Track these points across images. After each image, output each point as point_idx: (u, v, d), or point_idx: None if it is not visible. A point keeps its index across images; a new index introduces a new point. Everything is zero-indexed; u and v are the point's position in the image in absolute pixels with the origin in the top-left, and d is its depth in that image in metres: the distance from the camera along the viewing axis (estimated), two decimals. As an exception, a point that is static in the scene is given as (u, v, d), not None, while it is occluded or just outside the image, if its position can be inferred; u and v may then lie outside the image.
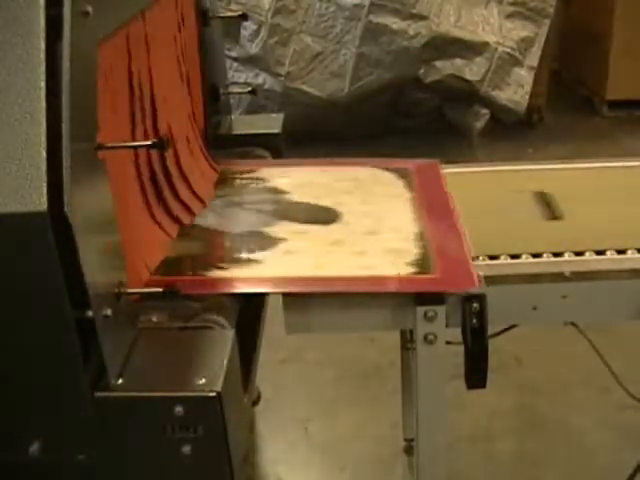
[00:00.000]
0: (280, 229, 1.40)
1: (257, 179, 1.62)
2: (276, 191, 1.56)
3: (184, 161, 1.45)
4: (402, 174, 1.63)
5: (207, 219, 1.44)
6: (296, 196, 1.54)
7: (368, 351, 2.34)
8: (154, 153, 1.31)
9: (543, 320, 1.26)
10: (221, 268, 1.27)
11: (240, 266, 1.28)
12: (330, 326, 1.25)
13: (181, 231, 1.38)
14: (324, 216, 1.45)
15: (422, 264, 1.26)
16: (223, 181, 1.61)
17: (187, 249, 1.34)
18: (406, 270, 1.24)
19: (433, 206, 1.47)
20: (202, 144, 1.64)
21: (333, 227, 1.41)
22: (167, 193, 1.36)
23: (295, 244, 1.34)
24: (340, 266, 1.27)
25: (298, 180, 1.61)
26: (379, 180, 1.62)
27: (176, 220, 1.39)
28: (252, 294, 1.24)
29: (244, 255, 1.31)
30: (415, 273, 1.23)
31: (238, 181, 1.62)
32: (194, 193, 1.46)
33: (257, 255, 1.31)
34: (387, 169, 1.66)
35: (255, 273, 1.26)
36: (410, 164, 1.68)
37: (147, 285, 1.17)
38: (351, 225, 1.41)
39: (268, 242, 1.35)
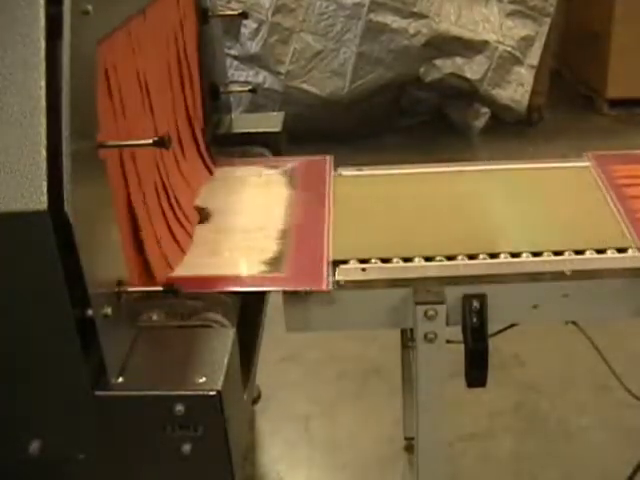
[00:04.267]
0: None
1: None
2: None
3: (169, 165, 1.45)
4: (287, 172, 1.62)
5: None
6: None
7: (369, 350, 2.34)
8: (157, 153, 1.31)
9: (543, 319, 1.26)
10: None
11: None
12: (330, 325, 1.25)
13: None
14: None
15: (274, 263, 1.27)
16: None
17: None
18: (256, 269, 1.26)
19: (308, 205, 1.47)
20: (200, 145, 1.63)
21: (200, 226, 1.41)
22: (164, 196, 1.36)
23: None
24: (193, 265, 1.28)
25: None
26: (263, 178, 1.61)
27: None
28: None
29: None
30: (265, 272, 1.25)
31: None
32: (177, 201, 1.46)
33: None
34: (274, 167, 1.65)
35: None
36: (298, 162, 1.67)
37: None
38: (218, 223, 1.42)
39: None
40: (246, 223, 1.42)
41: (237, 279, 1.25)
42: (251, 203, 1.50)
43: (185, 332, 1.12)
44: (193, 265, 1.28)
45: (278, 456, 2.02)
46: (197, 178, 1.56)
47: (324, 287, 1.20)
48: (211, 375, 1.01)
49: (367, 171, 1.62)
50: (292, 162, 1.68)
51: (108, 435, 1.03)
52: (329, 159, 1.66)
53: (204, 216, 1.45)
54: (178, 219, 1.37)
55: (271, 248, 1.32)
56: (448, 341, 1.21)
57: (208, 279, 1.24)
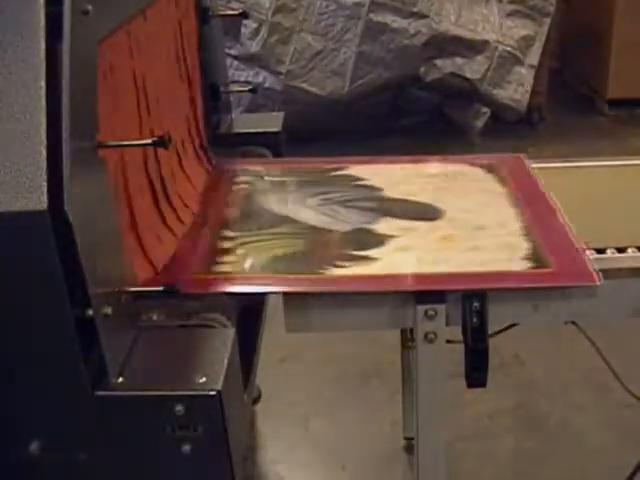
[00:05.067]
0: (386, 226, 1.39)
1: (348, 176, 1.62)
2: (372, 188, 1.56)
3: (173, 164, 1.45)
4: (489, 169, 1.63)
5: (308, 217, 1.44)
6: (391, 193, 1.53)
7: (369, 350, 2.34)
8: (151, 154, 1.31)
9: (543, 319, 1.26)
10: (340, 266, 1.26)
11: (358, 264, 1.27)
12: (330, 325, 1.25)
13: (285, 228, 1.39)
14: (426, 212, 1.45)
15: (537, 259, 1.26)
16: (315, 178, 1.61)
17: (295, 247, 1.33)
18: (522, 265, 1.25)
19: (531, 200, 1.47)
20: (199, 145, 1.63)
21: (439, 223, 1.41)
22: (162, 196, 1.36)
23: (405, 240, 1.34)
24: (456, 262, 1.27)
25: (389, 177, 1.60)
26: (469, 176, 1.61)
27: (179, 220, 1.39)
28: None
29: (358, 253, 1.30)
30: (532, 268, 1.24)
31: (330, 179, 1.61)
32: (180, 198, 1.45)
33: (371, 252, 1.30)
34: (473, 164, 1.66)
35: (375, 270, 1.25)
36: (494, 159, 1.68)
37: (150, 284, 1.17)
38: (456, 221, 1.41)
39: (378, 239, 1.35)
40: (482, 220, 1.41)
41: (508, 276, 1.23)
42: (474, 201, 1.49)
43: (185, 332, 1.12)
44: (458, 261, 1.27)
45: (278, 456, 2.02)
46: (198, 177, 1.56)
47: (597, 281, 1.19)
48: (211, 375, 1.01)
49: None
50: (488, 160, 1.67)
51: (108, 435, 1.03)
52: (523, 156, 1.67)
53: (436, 214, 1.44)
54: (178, 217, 1.37)
55: (522, 245, 1.31)
56: (448, 341, 1.21)
57: (478, 275, 1.23)
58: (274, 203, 1.50)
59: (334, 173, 1.63)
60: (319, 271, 1.24)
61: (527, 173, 1.59)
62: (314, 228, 1.40)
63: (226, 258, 1.29)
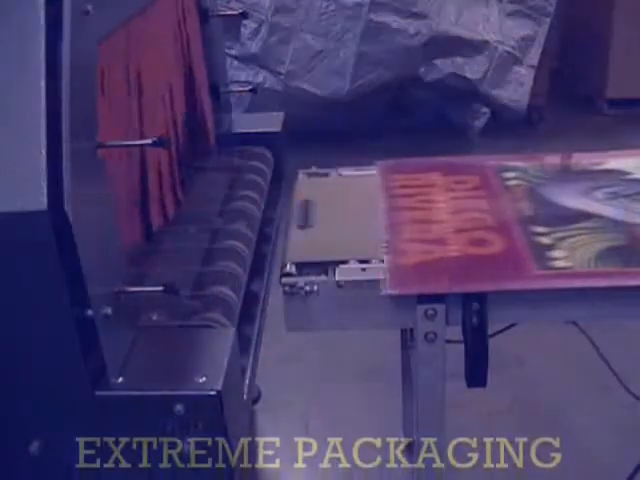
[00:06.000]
0: None
1: (613, 171, 1.61)
2: None
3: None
4: None
5: (606, 211, 1.43)
6: None
7: (369, 350, 2.34)
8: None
9: (543, 319, 1.26)
10: None
11: None
12: (330, 324, 1.25)
13: (592, 223, 1.39)
14: None
15: None
16: (580, 173, 1.61)
17: (616, 241, 1.33)
18: None
19: None
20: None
21: None
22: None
23: None
24: None
25: None
26: None
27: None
28: None
29: None
30: None
31: (596, 173, 1.60)
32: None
33: None
34: None
35: None
36: None
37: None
38: None
39: None
40: None
41: None
42: None
43: (185, 332, 1.12)
44: None
45: (278, 456, 2.02)
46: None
47: None
48: (211, 375, 1.01)
49: None
50: None
51: (108, 435, 1.03)
52: None
53: None
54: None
55: None
56: (448, 341, 1.21)
57: None
58: (561, 197, 1.49)
59: (596, 167, 1.63)
60: None
61: None
62: (619, 222, 1.39)
63: (555, 253, 1.28)
